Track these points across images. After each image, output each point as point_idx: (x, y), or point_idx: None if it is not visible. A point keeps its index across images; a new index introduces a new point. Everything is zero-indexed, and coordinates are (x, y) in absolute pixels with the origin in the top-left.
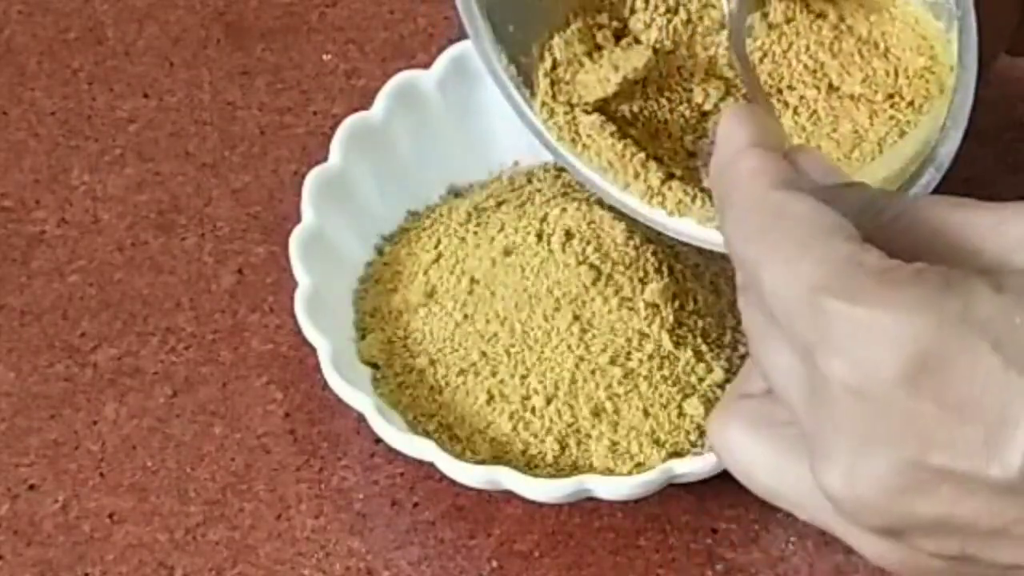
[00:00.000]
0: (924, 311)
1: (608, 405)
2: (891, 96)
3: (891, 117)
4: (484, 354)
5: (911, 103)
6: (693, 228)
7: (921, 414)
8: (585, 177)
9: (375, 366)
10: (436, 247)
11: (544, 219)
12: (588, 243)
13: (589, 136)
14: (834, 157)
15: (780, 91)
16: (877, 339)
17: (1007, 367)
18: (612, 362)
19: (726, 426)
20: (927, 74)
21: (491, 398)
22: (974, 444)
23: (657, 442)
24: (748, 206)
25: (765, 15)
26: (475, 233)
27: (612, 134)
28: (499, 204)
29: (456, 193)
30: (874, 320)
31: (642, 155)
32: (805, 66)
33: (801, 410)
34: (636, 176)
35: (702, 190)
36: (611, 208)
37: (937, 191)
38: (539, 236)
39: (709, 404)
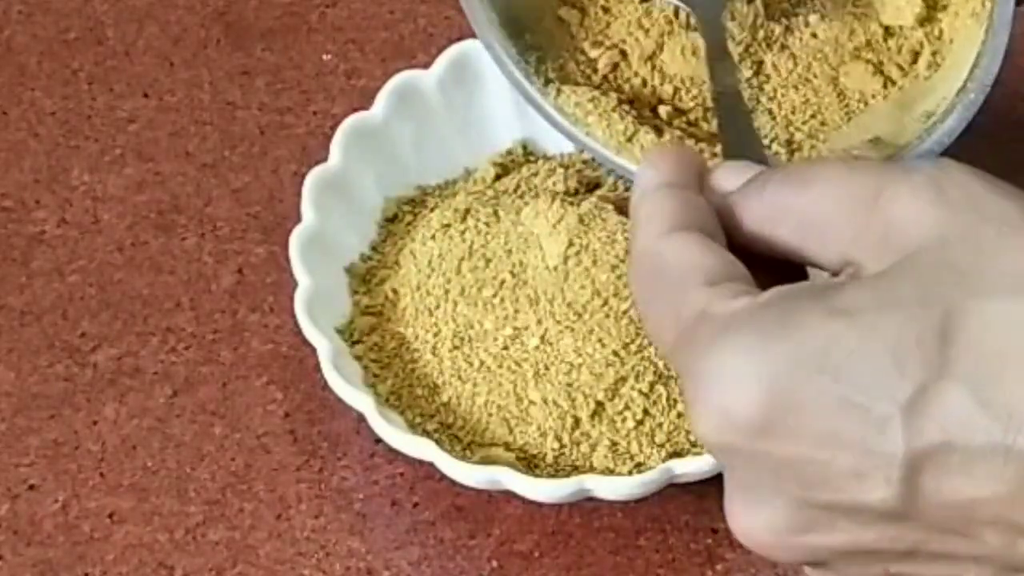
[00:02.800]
0: (759, 355)
1: (608, 405)
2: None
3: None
4: (485, 354)
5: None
6: None
7: (787, 457)
8: (595, 151)
9: (375, 366)
10: (435, 247)
11: (542, 220)
12: (588, 244)
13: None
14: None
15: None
16: (723, 393)
17: (852, 396)
18: (612, 362)
19: None
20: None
21: (491, 398)
22: (846, 477)
23: (657, 442)
24: (637, 253)
25: None
26: (475, 233)
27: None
28: (497, 204)
29: (455, 194)
30: (716, 373)
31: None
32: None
33: None
34: (629, 140)
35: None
36: (617, 203)
37: None
38: (538, 237)
39: None
